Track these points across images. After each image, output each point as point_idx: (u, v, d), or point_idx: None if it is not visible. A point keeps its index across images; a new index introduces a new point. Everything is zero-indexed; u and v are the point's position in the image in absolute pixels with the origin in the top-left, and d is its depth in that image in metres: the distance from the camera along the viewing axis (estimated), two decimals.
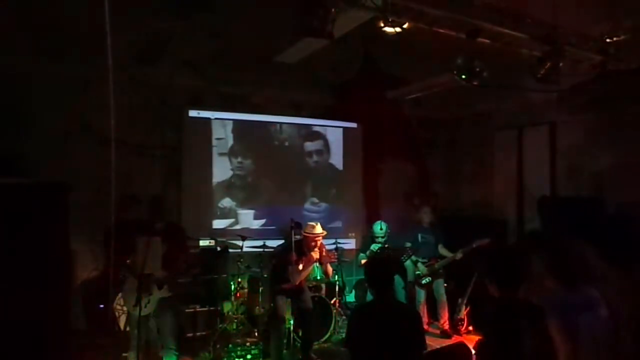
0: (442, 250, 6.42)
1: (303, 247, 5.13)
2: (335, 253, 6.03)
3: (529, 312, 3.19)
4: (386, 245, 6.17)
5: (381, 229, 6.21)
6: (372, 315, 3.28)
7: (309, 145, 7.81)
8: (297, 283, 5.04)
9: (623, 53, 5.10)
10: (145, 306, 4.36)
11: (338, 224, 7.81)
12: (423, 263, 6.31)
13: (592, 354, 2.85)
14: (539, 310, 3.18)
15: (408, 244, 6.27)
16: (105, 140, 6.19)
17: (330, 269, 5.48)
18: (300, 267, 5.03)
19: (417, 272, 6.33)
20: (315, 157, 7.82)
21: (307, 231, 5.19)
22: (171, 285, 4.53)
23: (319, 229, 5.19)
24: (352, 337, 3.28)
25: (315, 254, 5.12)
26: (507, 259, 3.43)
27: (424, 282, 6.27)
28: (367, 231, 7.93)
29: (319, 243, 5.18)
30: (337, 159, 8.02)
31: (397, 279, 6.01)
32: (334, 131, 8.03)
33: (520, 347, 3.08)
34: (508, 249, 4.63)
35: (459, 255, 6.14)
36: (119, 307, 5.34)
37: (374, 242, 6.25)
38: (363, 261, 6.18)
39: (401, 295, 6.21)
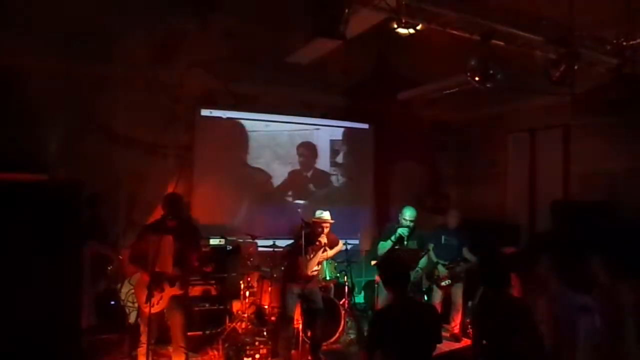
0: (467, 254, 6.29)
1: (311, 236, 5.16)
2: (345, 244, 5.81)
3: (517, 310, 3.29)
4: (397, 247, 6.07)
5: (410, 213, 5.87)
6: (396, 317, 3.26)
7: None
8: (309, 273, 5.05)
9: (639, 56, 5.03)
10: (158, 303, 4.40)
11: (348, 225, 7.77)
12: (444, 265, 6.24)
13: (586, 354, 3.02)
14: (527, 308, 3.28)
15: (431, 245, 6.20)
16: (118, 139, 6.33)
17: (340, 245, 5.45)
18: (310, 256, 5.09)
19: (437, 274, 6.25)
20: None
21: (315, 218, 5.24)
22: (183, 283, 4.57)
23: (326, 216, 5.22)
24: (376, 340, 3.25)
25: (323, 239, 5.16)
26: (495, 261, 3.50)
27: (443, 283, 6.19)
28: (376, 232, 7.91)
29: (326, 230, 5.21)
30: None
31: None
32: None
33: (509, 344, 3.13)
34: (497, 253, 4.68)
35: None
36: (129, 303, 5.39)
37: (401, 227, 5.88)
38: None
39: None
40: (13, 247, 3.75)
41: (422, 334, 3.21)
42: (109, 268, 5.48)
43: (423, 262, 6.08)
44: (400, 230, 5.83)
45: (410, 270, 3.70)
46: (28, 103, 5.68)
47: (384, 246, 5.90)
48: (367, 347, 3.37)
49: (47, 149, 5.67)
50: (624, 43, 4.90)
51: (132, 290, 4.99)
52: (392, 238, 5.84)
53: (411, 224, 5.85)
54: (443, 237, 6.30)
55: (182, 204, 4.96)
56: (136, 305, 4.80)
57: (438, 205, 8.12)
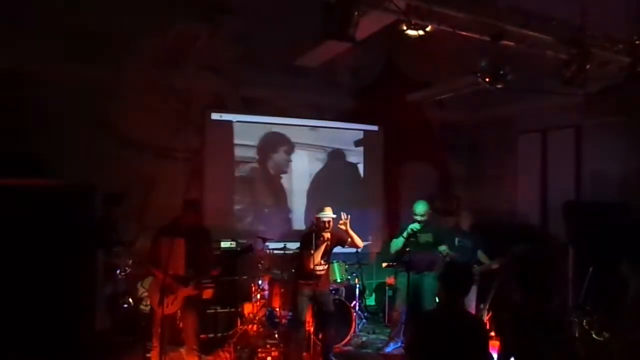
0: (481, 256, 6.07)
1: (316, 232, 5.16)
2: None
3: (549, 321, 3.17)
4: (407, 250, 5.96)
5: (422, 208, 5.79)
6: (439, 322, 3.16)
7: None
8: (312, 266, 5.04)
9: None
10: (172, 304, 4.44)
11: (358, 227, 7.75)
12: None
13: None
14: (559, 319, 3.19)
15: (443, 248, 5.93)
16: (129, 143, 6.38)
17: (349, 235, 5.27)
18: (313, 251, 5.06)
19: None
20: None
21: (318, 215, 5.23)
22: (196, 284, 4.60)
23: (327, 213, 5.19)
24: (417, 343, 3.18)
25: (327, 234, 5.16)
26: (541, 268, 3.41)
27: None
28: (387, 234, 7.88)
29: (330, 225, 5.19)
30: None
31: (433, 282, 5.63)
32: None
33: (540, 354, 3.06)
34: (544, 259, 4.53)
35: (494, 265, 5.87)
36: (142, 306, 5.44)
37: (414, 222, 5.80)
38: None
39: (429, 299, 5.75)
40: (28, 251, 3.80)
41: (463, 346, 3.00)
42: (119, 273, 5.50)
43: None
44: (412, 226, 5.75)
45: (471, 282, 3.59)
46: (40, 108, 5.75)
47: (396, 243, 5.83)
48: (407, 348, 3.25)
49: (60, 154, 5.72)
50: (637, 42, 4.85)
51: (145, 293, 5.03)
52: (404, 234, 5.76)
53: (423, 219, 5.76)
54: (456, 239, 6.16)
55: (199, 210, 5.06)
56: (149, 307, 4.84)
57: (448, 206, 8.06)
